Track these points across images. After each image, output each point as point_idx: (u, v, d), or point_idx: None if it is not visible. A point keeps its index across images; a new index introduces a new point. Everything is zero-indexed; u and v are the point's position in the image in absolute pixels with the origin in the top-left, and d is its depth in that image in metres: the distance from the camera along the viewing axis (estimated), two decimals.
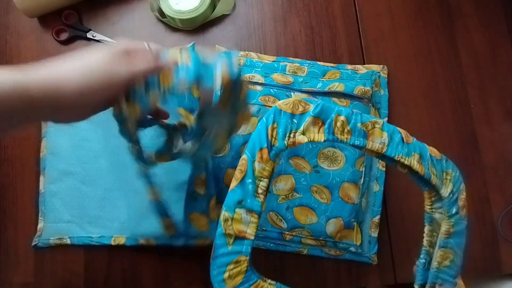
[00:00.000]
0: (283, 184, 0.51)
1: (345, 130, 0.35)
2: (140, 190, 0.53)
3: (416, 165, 0.37)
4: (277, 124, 0.34)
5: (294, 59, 0.58)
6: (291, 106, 0.35)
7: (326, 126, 0.35)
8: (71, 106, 0.30)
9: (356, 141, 0.35)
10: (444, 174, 0.38)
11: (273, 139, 0.34)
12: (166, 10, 0.58)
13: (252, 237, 0.33)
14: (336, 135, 0.35)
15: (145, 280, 0.54)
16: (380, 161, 0.53)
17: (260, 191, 0.33)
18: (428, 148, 0.39)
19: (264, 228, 0.51)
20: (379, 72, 0.56)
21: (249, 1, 0.61)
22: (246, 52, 0.57)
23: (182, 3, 0.58)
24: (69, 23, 0.61)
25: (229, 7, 0.61)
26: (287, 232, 0.51)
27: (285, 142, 0.34)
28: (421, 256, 0.39)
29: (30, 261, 0.55)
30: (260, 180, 0.33)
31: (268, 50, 0.59)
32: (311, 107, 0.35)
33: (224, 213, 0.33)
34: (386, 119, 0.55)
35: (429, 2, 0.60)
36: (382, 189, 0.53)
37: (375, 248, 0.52)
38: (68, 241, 0.54)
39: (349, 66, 0.57)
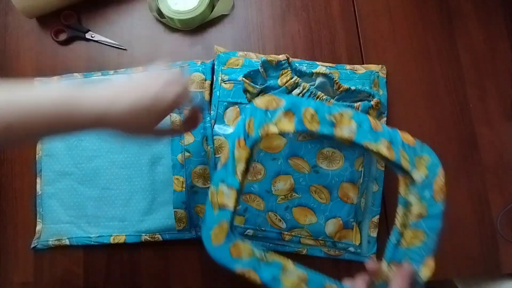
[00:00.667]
0: (282, 184, 0.51)
1: (314, 121, 0.40)
2: (144, 186, 0.54)
3: (384, 151, 0.39)
4: (253, 118, 0.40)
5: (293, 59, 0.57)
6: (266, 102, 0.40)
7: (296, 118, 0.40)
8: (120, 122, 0.36)
9: (324, 130, 0.40)
10: (418, 159, 0.40)
11: (250, 130, 0.40)
12: (164, 10, 0.58)
13: (232, 208, 0.40)
14: (305, 125, 0.40)
15: (144, 280, 0.54)
16: (379, 161, 0.53)
17: (238, 171, 0.40)
18: (400, 134, 0.40)
19: (263, 229, 0.51)
20: (378, 72, 0.56)
21: (247, 1, 0.61)
22: (245, 52, 0.57)
23: (181, 3, 0.58)
24: (68, 23, 0.61)
25: (228, 7, 0.61)
26: (286, 232, 0.51)
27: (260, 132, 0.40)
28: (392, 234, 0.41)
29: (29, 261, 0.55)
30: (238, 163, 0.40)
31: (267, 50, 0.59)
32: (283, 102, 0.40)
33: (211, 188, 0.40)
34: (385, 119, 0.55)
35: (428, 2, 0.60)
36: (381, 189, 0.53)
37: (374, 248, 0.52)
38: (67, 242, 0.54)
39: (348, 66, 0.57)
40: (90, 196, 0.55)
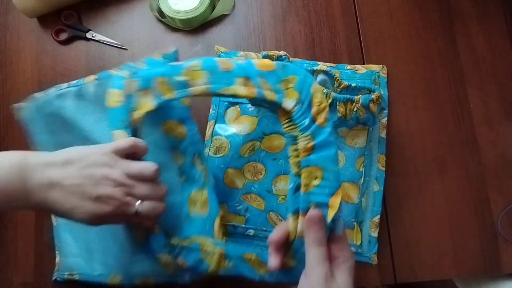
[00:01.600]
0: (283, 184, 0.51)
1: (167, 89, 0.36)
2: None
3: (240, 91, 0.35)
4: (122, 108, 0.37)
5: (294, 59, 0.58)
6: (127, 87, 0.36)
7: (153, 93, 0.36)
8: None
9: (179, 94, 0.36)
10: (284, 83, 0.34)
11: (133, 122, 0.37)
12: (165, 10, 0.58)
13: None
14: (162, 97, 0.36)
15: None
16: (380, 161, 0.53)
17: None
18: (254, 63, 0.35)
19: (265, 229, 0.51)
20: (379, 72, 0.56)
21: (248, 1, 0.61)
22: (246, 52, 0.57)
23: (182, 3, 0.58)
24: (69, 23, 0.61)
25: (229, 7, 0.61)
26: None
27: (130, 123, 0.36)
28: (289, 181, 0.34)
29: (29, 261, 0.55)
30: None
31: (268, 50, 0.59)
32: (136, 82, 0.36)
33: None
34: (385, 119, 0.55)
35: (428, 2, 0.60)
36: (382, 188, 0.53)
37: (375, 248, 0.52)
38: (77, 277, 0.50)
39: (349, 66, 0.57)
40: (97, 229, 0.46)
